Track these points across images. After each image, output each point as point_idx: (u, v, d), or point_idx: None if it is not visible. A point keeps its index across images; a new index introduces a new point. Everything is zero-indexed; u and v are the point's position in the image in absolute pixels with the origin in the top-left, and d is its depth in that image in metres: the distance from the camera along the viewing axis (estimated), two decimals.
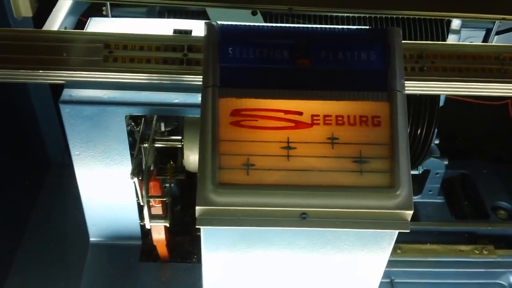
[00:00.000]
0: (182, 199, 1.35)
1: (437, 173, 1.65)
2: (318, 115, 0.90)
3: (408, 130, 1.40)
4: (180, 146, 1.16)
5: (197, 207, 0.86)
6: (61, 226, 1.57)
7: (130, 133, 1.14)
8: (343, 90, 0.92)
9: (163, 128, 1.19)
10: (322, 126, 0.90)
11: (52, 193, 1.70)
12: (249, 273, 1.01)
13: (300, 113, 0.91)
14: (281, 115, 0.90)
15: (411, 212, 0.88)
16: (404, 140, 0.89)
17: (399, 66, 0.92)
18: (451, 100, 1.56)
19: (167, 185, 1.15)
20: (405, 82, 0.92)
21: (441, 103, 1.45)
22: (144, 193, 1.08)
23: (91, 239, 1.31)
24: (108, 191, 1.20)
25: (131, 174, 1.08)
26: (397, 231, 0.92)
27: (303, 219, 0.88)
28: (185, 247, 1.31)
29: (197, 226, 0.87)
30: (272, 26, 1.16)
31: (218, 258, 0.97)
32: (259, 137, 0.89)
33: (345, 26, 1.26)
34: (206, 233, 0.92)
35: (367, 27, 1.34)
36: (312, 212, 0.88)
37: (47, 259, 1.47)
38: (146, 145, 1.11)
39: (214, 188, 0.85)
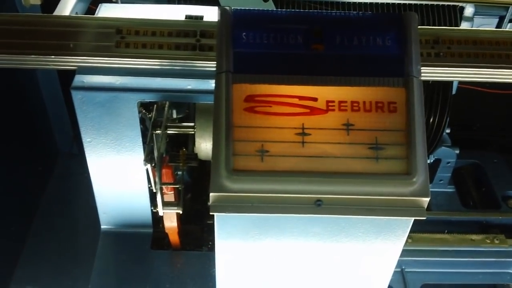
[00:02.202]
0: (193, 186, 1.34)
1: (448, 162, 1.63)
2: (333, 101, 0.89)
3: None
4: (192, 133, 1.15)
5: (211, 194, 0.85)
6: (71, 214, 1.57)
7: (142, 120, 1.13)
8: (358, 76, 0.90)
9: (175, 115, 1.18)
10: (337, 112, 0.89)
11: (61, 182, 1.70)
12: (262, 261, 1.01)
13: (315, 99, 0.89)
14: (296, 101, 0.89)
15: (428, 199, 0.87)
16: (420, 126, 0.88)
17: (415, 51, 0.91)
18: (463, 89, 1.54)
19: (179, 172, 1.14)
20: (422, 68, 0.91)
21: (454, 92, 1.43)
22: (157, 179, 1.08)
23: (102, 226, 1.30)
24: (120, 179, 1.19)
25: (144, 160, 1.07)
26: (412, 219, 0.91)
27: (317, 206, 0.88)
28: (197, 234, 1.30)
29: (210, 213, 0.86)
30: (286, 11, 1.15)
31: (231, 245, 0.96)
32: (274, 123, 0.88)
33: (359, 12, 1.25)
34: (220, 220, 0.92)
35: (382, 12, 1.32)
36: (327, 199, 0.87)
37: (57, 247, 1.48)
38: (159, 131, 1.10)
39: (228, 174, 0.85)
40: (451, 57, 1.06)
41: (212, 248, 1.19)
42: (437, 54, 1.07)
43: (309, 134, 0.88)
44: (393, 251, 0.98)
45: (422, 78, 0.91)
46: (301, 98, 0.89)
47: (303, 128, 0.88)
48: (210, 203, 0.86)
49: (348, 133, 0.88)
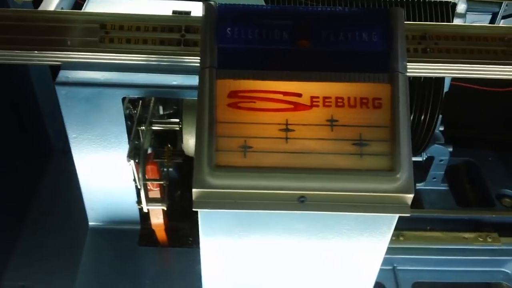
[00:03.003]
0: (182, 183, 1.33)
1: (441, 160, 1.62)
2: (317, 97, 0.88)
3: (412, 116, 1.39)
4: (178, 129, 1.15)
5: (193, 190, 0.85)
6: (64, 211, 1.56)
7: (129, 117, 1.12)
8: (344, 71, 0.90)
9: (161, 111, 1.18)
10: (322, 108, 0.88)
11: (55, 179, 1.70)
12: (247, 257, 1.00)
13: (299, 95, 0.89)
14: (280, 96, 0.89)
15: (412, 195, 0.86)
16: (405, 122, 0.87)
17: (401, 47, 0.90)
18: (457, 86, 1.53)
19: (165, 168, 1.14)
20: (408, 63, 0.90)
21: (446, 89, 1.42)
22: (141, 175, 1.07)
23: (90, 223, 1.30)
24: (106, 175, 1.19)
25: (127, 156, 1.07)
26: (397, 215, 0.91)
27: (301, 203, 0.87)
28: (184, 231, 1.30)
29: (193, 209, 0.86)
30: (272, 6, 1.14)
31: (216, 242, 0.96)
32: (257, 119, 0.87)
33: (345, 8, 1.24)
34: (204, 216, 0.91)
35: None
36: (311, 196, 0.86)
37: (50, 244, 1.47)
38: (143, 127, 1.10)
39: (211, 170, 0.84)
40: (438, 52, 1.05)
41: (197, 245, 1.19)
42: (424, 49, 1.06)
43: (293, 130, 0.87)
44: (379, 247, 0.97)
45: (408, 74, 0.90)
46: (285, 94, 0.89)
47: (286, 124, 0.87)
48: (193, 199, 0.86)
49: (332, 129, 0.88)
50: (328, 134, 0.87)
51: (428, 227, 1.52)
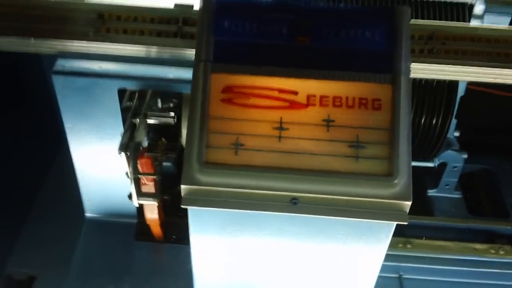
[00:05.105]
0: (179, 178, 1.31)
1: (454, 167, 1.57)
2: (314, 96, 0.86)
3: (423, 120, 1.34)
4: (173, 123, 1.13)
5: (182, 186, 0.83)
6: (70, 201, 1.55)
7: (127, 109, 1.11)
8: (343, 70, 0.86)
9: (160, 105, 1.15)
10: (318, 107, 0.85)
11: (63, 169, 1.68)
12: (238, 257, 0.98)
13: (296, 93, 0.86)
14: (275, 94, 0.86)
15: (409, 203, 0.83)
16: (406, 126, 0.83)
17: (405, 47, 0.86)
18: (474, 91, 1.48)
19: (157, 163, 1.11)
20: (412, 64, 0.86)
21: (462, 93, 1.37)
22: (131, 169, 1.05)
23: (86, 214, 1.29)
24: (102, 166, 1.18)
25: (118, 149, 1.05)
26: (394, 223, 0.87)
27: (293, 205, 0.84)
28: (181, 227, 1.28)
29: (182, 206, 0.84)
30: (273, 0, 1.11)
31: (206, 240, 0.94)
32: (250, 116, 0.85)
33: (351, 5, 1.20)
34: (193, 213, 0.89)
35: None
36: (303, 198, 0.84)
37: (55, 233, 1.45)
38: (138, 120, 1.08)
39: (200, 167, 0.82)
40: (445, 53, 1.00)
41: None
42: (431, 50, 1.01)
43: (287, 129, 0.84)
44: (376, 255, 0.94)
45: (412, 75, 0.86)
46: (281, 91, 0.86)
47: (280, 122, 0.84)
48: (181, 195, 0.83)
49: (328, 129, 0.84)
50: (324, 134, 0.84)
51: (424, 237, 1.47)
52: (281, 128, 0.84)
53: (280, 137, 0.84)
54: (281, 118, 0.85)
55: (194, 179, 0.83)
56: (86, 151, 1.14)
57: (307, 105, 0.85)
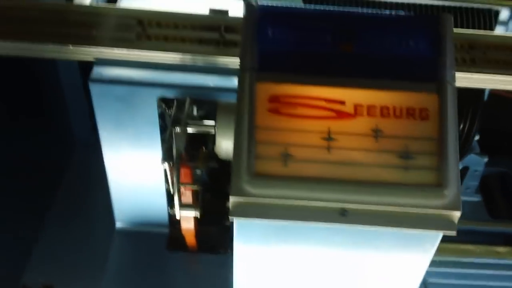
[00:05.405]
0: (212, 187, 1.30)
1: (476, 170, 1.57)
2: (361, 105, 0.85)
3: None
4: (213, 132, 1.11)
5: (230, 198, 0.81)
6: (87, 208, 1.53)
7: (161, 116, 1.09)
8: (389, 79, 0.86)
9: (195, 112, 1.14)
10: (366, 117, 0.84)
11: (78, 174, 1.66)
12: (281, 268, 0.97)
13: (343, 102, 0.85)
14: (322, 103, 0.85)
15: (459, 213, 0.82)
16: (453, 135, 0.83)
17: (450, 55, 0.86)
18: (494, 95, 1.48)
19: (198, 172, 1.10)
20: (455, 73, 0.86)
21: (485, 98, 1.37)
22: (175, 180, 1.04)
23: (117, 224, 1.27)
24: (137, 176, 1.16)
25: (162, 159, 1.03)
26: (442, 233, 0.86)
27: (342, 216, 0.83)
28: (215, 237, 1.27)
29: (230, 217, 0.83)
30: (315, 8, 1.10)
31: (250, 250, 0.93)
32: (299, 126, 0.84)
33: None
34: (240, 225, 0.88)
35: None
36: (352, 209, 0.83)
37: (70, 243, 1.44)
38: (179, 129, 1.06)
39: (250, 178, 0.81)
40: (487, 63, 1.00)
41: (230, 252, 1.15)
42: (473, 59, 1.01)
43: (336, 140, 0.83)
44: (420, 265, 0.93)
45: (456, 84, 0.85)
46: (328, 100, 0.85)
47: (329, 133, 0.84)
48: (230, 207, 0.82)
49: (377, 140, 0.84)
50: (372, 145, 0.83)
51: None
52: (329, 139, 0.83)
53: (329, 148, 0.83)
54: (329, 128, 0.84)
55: (243, 190, 0.81)
56: (121, 160, 1.13)
57: (354, 115, 0.84)
